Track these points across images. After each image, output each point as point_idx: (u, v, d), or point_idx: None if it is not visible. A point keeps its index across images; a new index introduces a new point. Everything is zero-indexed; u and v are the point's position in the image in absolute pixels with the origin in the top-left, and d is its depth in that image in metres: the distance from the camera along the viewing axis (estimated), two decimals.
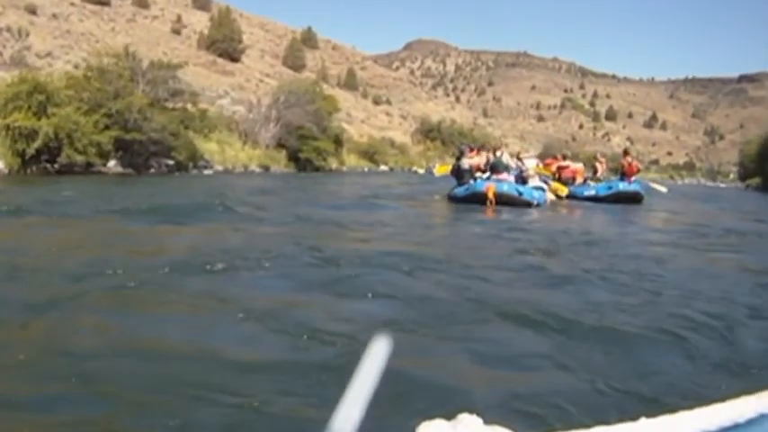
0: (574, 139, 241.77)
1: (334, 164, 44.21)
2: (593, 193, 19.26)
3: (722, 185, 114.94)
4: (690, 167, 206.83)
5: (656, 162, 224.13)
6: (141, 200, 12.25)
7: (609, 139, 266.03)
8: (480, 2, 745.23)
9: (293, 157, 37.63)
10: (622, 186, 19.22)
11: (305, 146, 37.77)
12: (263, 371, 3.12)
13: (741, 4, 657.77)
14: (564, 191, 19.14)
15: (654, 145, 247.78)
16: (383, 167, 59.97)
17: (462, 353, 3.57)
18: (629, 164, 20.06)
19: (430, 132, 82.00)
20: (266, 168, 34.09)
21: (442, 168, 20.75)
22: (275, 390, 2.87)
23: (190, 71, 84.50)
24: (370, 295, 4.75)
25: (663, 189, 20.46)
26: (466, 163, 16.40)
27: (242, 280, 5.20)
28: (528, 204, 14.92)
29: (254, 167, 33.25)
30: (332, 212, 11.58)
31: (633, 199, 18.82)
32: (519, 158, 19.02)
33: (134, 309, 4.23)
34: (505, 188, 14.82)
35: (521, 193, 15.10)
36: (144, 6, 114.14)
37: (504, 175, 15.61)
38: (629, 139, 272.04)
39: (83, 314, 3.97)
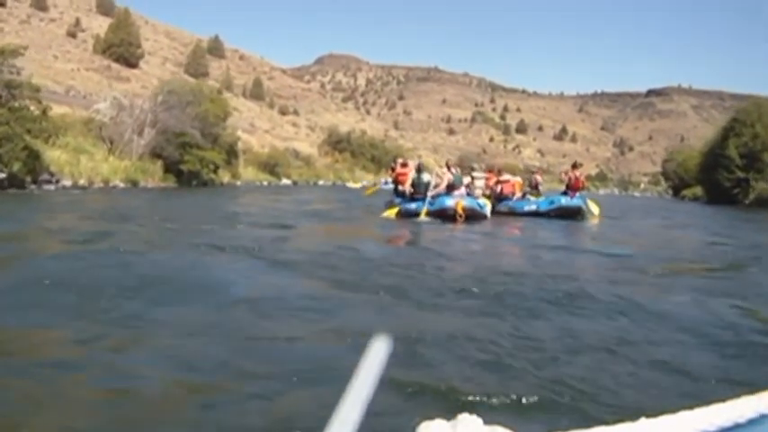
0: (485, 151, 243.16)
1: (226, 177, 38.41)
2: (533, 207, 18.76)
3: (648, 195, 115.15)
4: (602, 178, 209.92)
5: (567, 173, 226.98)
6: None
7: (519, 152, 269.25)
8: (392, 17, 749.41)
9: (174, 170, 31.53)
10: (564, 201, 18.74)
11: (188, 156, 31.70)
12: None
13: (649, 22, 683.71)
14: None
15: (564, 156, 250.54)
16: (285, 181, 54.15)
17: None
18: (576, 178, 19.61)
19: (339, 143, 76.86)
20: (134, 184, 27.91)
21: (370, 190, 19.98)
22: None
23: (79, 76, 78.93)
24: None
25: (595, 211, 19.95)
26: (426, 176, 16.43)
27: None
28: (485, 217, 16.00)
29: (117, 182, 27.03)
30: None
31: (575, 214, 18.33)
32: (472, 177, 18.78)
33: None
34: (468, 203, 15.45)
35: (481, 207, 16.07)
36: (42, 9, 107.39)
37: (461, 191, 16.26)
38: (539, 151, 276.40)
39: None
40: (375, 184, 20.13)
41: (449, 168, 17.21)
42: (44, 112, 23.30)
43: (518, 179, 21.68)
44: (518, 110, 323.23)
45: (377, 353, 0.67)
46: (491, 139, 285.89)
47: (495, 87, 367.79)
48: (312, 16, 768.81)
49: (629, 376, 3.63)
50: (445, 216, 14.99)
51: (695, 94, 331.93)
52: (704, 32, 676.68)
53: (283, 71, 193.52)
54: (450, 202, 15.28)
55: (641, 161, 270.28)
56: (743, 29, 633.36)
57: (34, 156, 22.83)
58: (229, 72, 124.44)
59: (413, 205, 15.91)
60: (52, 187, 22.72)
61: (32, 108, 23.19)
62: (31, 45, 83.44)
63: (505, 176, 20.88)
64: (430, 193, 15.79)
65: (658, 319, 5.17)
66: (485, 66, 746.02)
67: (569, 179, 19.96)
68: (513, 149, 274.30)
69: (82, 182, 25.01)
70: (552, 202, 18.80)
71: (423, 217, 14.95)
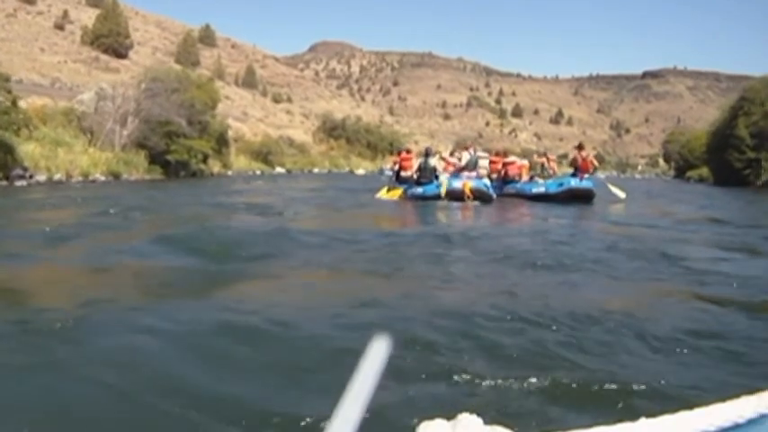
0: (481, 135, 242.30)
1: (216, 167, 36.82)
2: (542, 190, 18.34)
3: (647, 176, 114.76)
4: (599, 160, 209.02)
5: (565, 156, 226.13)
6: None
7: (516, 136, 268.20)
8: (385, 3, 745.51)
9: (160, 161, 29.85)
10: (574, 183, 18.16)
11: (174, 146, 30.01)
12: None
13: (644, 2, 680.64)
14: None
15: (561, 140, 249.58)
16: (279, 170, 52.57)
17: None
18: (584, 159, 19.22)
19: (334, 130, 75.28)
20: (116, 176, 26.26)
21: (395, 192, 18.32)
22: None
23: (66, 68, 77.11)
24: None
25: (621, 195, 19.74)
26: (432, 161, 16.98)
27: None
28: (491, 198, 16.21)
29: (98, 175, 25.36)
30: None
31: (585, 197, 17.75)
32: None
33: None
34: (475, 184, 15.88)
35: (488, 188, 16.40)
36: (29, 2, 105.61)
37: (474, 173, 16.90)
38: (536, 134, 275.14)
39: None
40: (394, 186, 18.36)
41: (466, 149, 18.85)
42: (13, 102, 21.67)
43: (525, 162, 21.09)
44: (513, 94, 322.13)
45: (377, 352, 0.67)
46: (487, 124, 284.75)
47: (489, 72, 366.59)
48: (305, 4, 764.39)
49: (637, 372, 3.40)
50: (453, 197, 15.58)
51: (691, 76, 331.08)
52: (698, 13, 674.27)
53: (276, 59, 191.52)
54: (457, 183, 15.82)
55: (638, 143, 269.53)
56: (737, 9, 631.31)
57: (5, 149, 21.23)
58: (221, 61, 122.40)
59: (419, 189, 16.52)
60: (24, 183, 21.09)
61: (1, 99, 21.58)
62: (17, 38, 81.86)
63: (511, 158, 20.52)
64: (459, 172, 16.84)
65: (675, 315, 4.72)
66: (479, 50, 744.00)
67: (576, 160, 19.63)
68: (510, 133, 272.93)
69: (59, 176, 23.35)
70: (561, 185, 18.31)
71: (467, 195, 15.44)
